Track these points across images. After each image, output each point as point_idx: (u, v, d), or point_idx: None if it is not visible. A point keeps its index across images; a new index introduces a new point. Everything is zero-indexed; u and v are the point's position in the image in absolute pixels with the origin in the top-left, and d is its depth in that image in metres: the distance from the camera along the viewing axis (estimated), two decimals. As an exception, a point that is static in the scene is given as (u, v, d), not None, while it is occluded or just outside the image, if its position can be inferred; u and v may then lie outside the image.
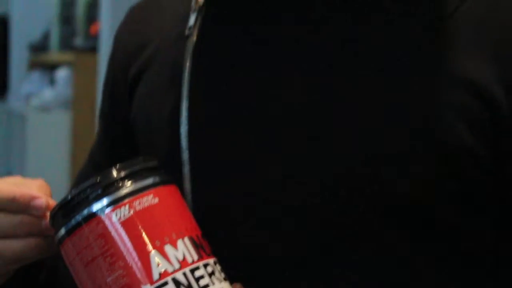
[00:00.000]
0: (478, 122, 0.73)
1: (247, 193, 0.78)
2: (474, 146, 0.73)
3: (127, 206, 0.65)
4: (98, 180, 0.66)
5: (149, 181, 0.67)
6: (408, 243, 0.76)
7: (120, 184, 0.66)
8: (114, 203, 0.65)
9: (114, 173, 0.67)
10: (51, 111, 4.54)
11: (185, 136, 0.81)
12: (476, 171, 0.74)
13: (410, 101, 0.75)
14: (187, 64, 0.84)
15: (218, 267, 0.67)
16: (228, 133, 0.80)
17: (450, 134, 0.72)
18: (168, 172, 0.73)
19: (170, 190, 0.69)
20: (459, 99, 0.74)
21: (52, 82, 4.76)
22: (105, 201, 0.65)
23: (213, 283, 0.65)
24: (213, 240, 0.72)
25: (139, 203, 0.66)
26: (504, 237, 0.77)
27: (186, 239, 0.66)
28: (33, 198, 0.72)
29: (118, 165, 0.68)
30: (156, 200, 0.67)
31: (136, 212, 0.65)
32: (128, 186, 0.67)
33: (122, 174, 0.67)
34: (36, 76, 5.15)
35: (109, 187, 0.66)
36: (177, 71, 0.84)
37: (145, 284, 0.63)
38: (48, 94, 4.64)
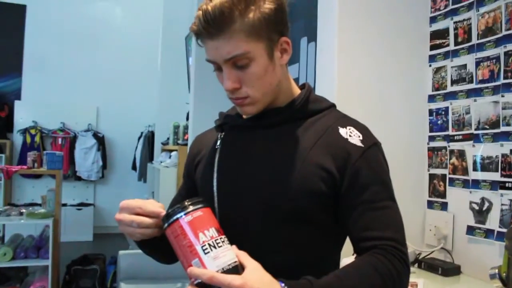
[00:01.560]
0: (328, 181, 0.86)
1: (240, 206, 0.89)
2: (326, 191, 0.86)
3: (190, 215, 0.77)
4: (179, 205, 0.78)
5: (199, 205, 0.79)
6: (305, 231, 0.88)
7: (188, 206, 0.78)
8: (185, 214, 0.77)
9: (186, 202, 0.79)
10: (169, 168, 4.42)
11: (215, 185, 0.93)
12: (328, 200, 0.87)
13: (301, 173, 0.85)
14: (216, 159, 0.94)
15: (226, 239, 0.79)
16: (233, 182, 0.90)
17: (315, 186, 0.85)
18: (207, 201, 0.83)
19: (207, 209, 0.80)
20: (320, 173, 0.86)
21: (170, 157, 4.67)
22: (181, 213, 0.77)
23: (224, 245, 0.77)
24: (225, 224, 0.82)
25: (195, 214, 0.78)
26: (340, 224, 0.89)
27: (213, 228, 0.78)
28: (160, 212, 0.83)
29: (187, 199, 0.80)
30: (201, 213, 0.79)
31: (194, 218, 0.77)
32: (191, 207, 0.78)
33: (189, 202, 0.79)
34: (164, 154, 5.03)
35: (183, 208, 0.78)
36: (212, 162, 0.95)
37: (197, 245, 0.75)
38: (168, 161, 4.59)
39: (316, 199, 0.86)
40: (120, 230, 0.87)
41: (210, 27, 0.82)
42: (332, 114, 0.95)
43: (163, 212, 0.82)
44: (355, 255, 0.88)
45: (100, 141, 6.48)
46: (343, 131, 0.90)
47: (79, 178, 6.37)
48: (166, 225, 0.79)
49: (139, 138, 6.56)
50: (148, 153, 6.18)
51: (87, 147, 6.37)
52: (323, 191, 0.86)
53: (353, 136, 0.90)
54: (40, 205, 4.13)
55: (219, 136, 0.97)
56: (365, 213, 0.85)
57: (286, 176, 0.86)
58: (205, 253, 0.74)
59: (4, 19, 6.23)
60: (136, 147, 6.56)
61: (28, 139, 6.11)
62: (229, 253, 0.76)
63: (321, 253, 0.91)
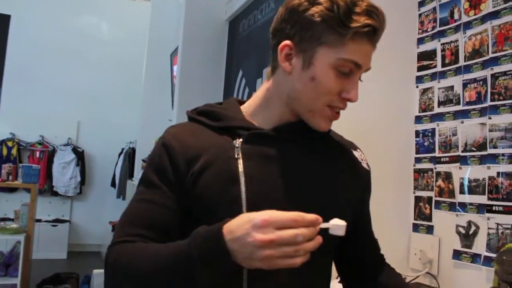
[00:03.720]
0: (351, 210, 0.88)
1: None
2: (350, 219, 0.83)
3: None
4: None
5: None
6: (327, 259, 0.90)
7: None
8: None
9: None
10: None
11: (245, 204, 0.78)
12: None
13: (336, 200, 0.85)
14: (240, 170, 0.80)
15: None
16: (268, 201, 0.75)
17: (346, 215, 0.76)
18: None
19: None
20: (349, 203, 0.88)
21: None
22: None
23: None
24: None
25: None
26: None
27: None
28: (317, 219, 0.66)
29: None
30: None
31: None
32: None
33: None
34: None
35: None
36: (234, 174, 0.80)
37: None
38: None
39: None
40: (265, 255, 0.63)
41: (381, 33, 0.82)
42: (332, 132, 0.95)
43: (320, 219, 0.67)
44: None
45: (80, 156, 6.38)
46: (357, 154, 0.93)
47: (55, 193, 6.23)
48: None
49: (119, 154, 6.48)
50: (129, 170, 6.10)
51: (66, 162, 6.26)
52: (348, 220, 0.80)
53: (363, 160, 0.94)
54: (12, 220, 3.99)
55: (236, 143, 0.83)
56: (373, 236, 0.98)
57: (324, 201, 0.83)
58: None
59: (-13, 29, 6.15)
60: (116, 164, 6.47)
61: (5, 151, 5.96)
62: None
63: (328, 280, 0.92)
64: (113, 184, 6.48)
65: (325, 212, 0.70)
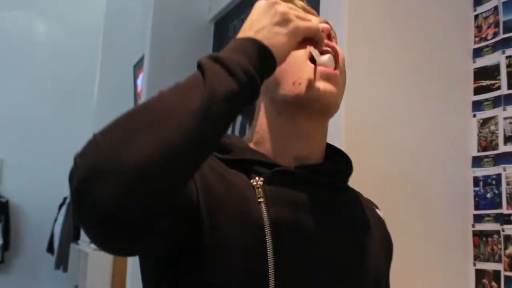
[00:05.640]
0: (377, 280, 1.00)
1: None
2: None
3: None
4: None
5: None
6: None
7: None
8: None
9: None
10: (102, 252, 4.30)
11: (272, 260, 0.82)
12: None
13: (372, 269, 0.98)
14: (264, 217, 0.85)
15: None
16: (296, 255, 0.86)
17: (373, 280, 0.97)
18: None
19: None
20: (379, 273, 1.00)
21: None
22: None
23: None
24: None
25: None
26: None
27: None
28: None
29: None
30: None
31: None
32: None
33: None
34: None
35: None
36: (257, 222, 0.85)
37: None
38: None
39: None
40: (290, 17, 0.86)
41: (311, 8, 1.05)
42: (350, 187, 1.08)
43: None
44: None
45: (3, 208, 6.32)
46: (380, 214, 1.08)
47: (-34, 264, 6.18)
48: None
49: (60, 206, 6.42)
50: (73, 229, 6.00)
51: (-18, 218, 6.22)
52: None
53: (384, 220, 1.08)
54: None
55: (256, 182, 0.90)
56: None
57: (358, 263, 0.96)
58: None
59: None
60: (56, 220, 6.39)
61: None
62: None
63: None
64: (50, 249, 6.39)
65: (360, 275, 0.94)
